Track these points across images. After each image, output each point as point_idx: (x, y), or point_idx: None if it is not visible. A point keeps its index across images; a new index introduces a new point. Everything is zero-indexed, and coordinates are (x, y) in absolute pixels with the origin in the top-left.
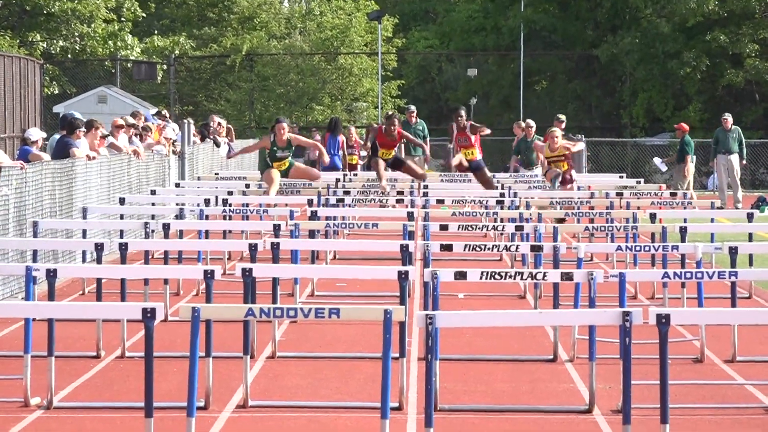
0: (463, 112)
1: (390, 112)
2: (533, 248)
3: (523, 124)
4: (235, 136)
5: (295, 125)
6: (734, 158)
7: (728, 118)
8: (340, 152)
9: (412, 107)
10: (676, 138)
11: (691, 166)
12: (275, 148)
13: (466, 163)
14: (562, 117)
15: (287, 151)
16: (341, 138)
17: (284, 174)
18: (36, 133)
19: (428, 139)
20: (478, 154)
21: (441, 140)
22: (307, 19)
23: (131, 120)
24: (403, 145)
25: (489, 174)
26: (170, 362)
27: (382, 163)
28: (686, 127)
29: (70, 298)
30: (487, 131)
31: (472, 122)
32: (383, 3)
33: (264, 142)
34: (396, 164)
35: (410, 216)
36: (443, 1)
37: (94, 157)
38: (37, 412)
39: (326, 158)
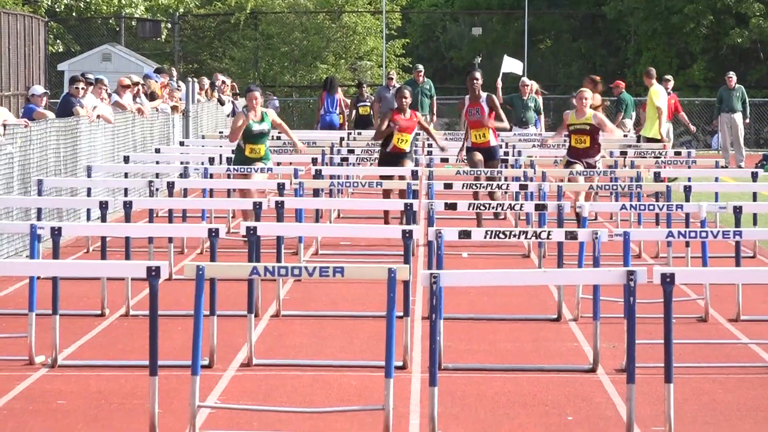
0: (478, 75)
1: (397, 83)
2: (537, 207)
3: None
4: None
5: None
6: (737, 117)
7: (732, 76)
8: (338, 110)
9: (420, 66)
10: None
11: (626, 123)
12: (250, 122)
13: (480, 156)
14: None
15: (264, 124)
16: (338, 96)
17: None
18: (39, 90)
19: (435, 98)
20: (492, 137)
21: (445, 99)
22: None
23: (136, 78)
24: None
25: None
26: (174, 321)
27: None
28: (622, 84)
29: (74, 257)
30: (504, 124)
31: (491, 94)
32: None
33: (240, 118)
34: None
35: (414, 175)
36: None
37: (99, 116)
38: (41, 370)
39: (300, 145)
